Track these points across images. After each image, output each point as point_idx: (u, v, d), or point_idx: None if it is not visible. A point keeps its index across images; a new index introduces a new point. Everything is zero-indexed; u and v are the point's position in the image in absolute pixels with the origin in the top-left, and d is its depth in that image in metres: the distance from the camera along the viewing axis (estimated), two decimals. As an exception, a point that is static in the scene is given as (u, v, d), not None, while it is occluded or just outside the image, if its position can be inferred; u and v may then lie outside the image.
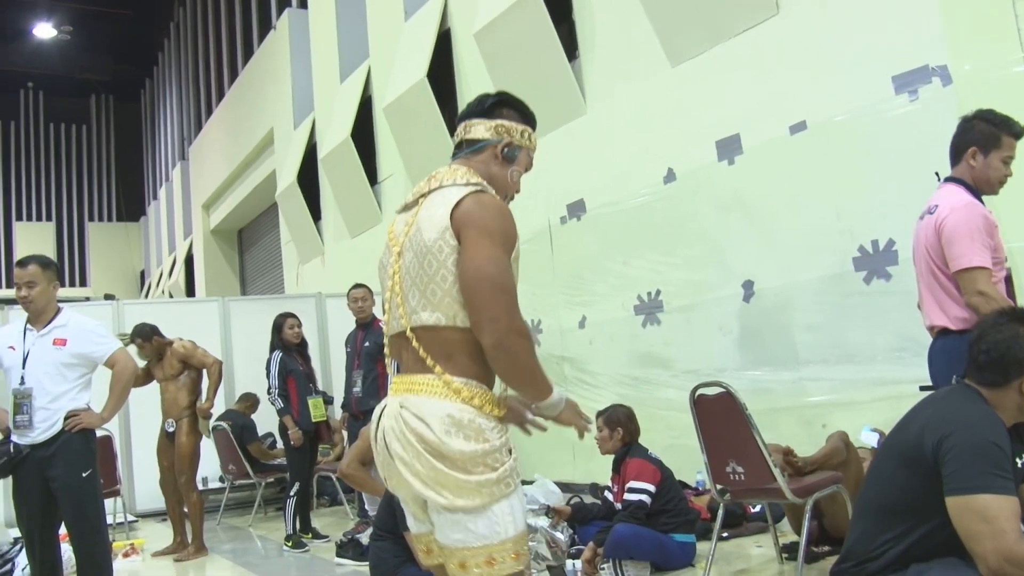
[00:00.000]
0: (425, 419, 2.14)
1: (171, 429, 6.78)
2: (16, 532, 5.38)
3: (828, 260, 5.70)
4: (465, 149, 2.39)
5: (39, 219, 28.36)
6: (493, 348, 2.11)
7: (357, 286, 7.15)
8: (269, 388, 6.88)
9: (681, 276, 6.83)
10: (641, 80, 7.31)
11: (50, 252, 25.63)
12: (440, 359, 2.18)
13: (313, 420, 6.90)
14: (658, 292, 7.00)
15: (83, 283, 27.28)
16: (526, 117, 2.44)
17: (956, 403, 2.54)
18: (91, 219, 28.59)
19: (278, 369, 6.84)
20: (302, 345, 7.14)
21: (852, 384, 5.57)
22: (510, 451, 2.17)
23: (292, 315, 7.08)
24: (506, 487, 2.13)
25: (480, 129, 2.38)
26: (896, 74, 5.29)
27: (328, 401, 7.46)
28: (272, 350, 6.96)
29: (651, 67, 7.17)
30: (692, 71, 6.81)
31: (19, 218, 28.62)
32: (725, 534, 5.48)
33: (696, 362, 6.61)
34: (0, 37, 24.42)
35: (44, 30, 23.90)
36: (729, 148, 6.42)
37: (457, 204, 2.19)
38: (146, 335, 6.77)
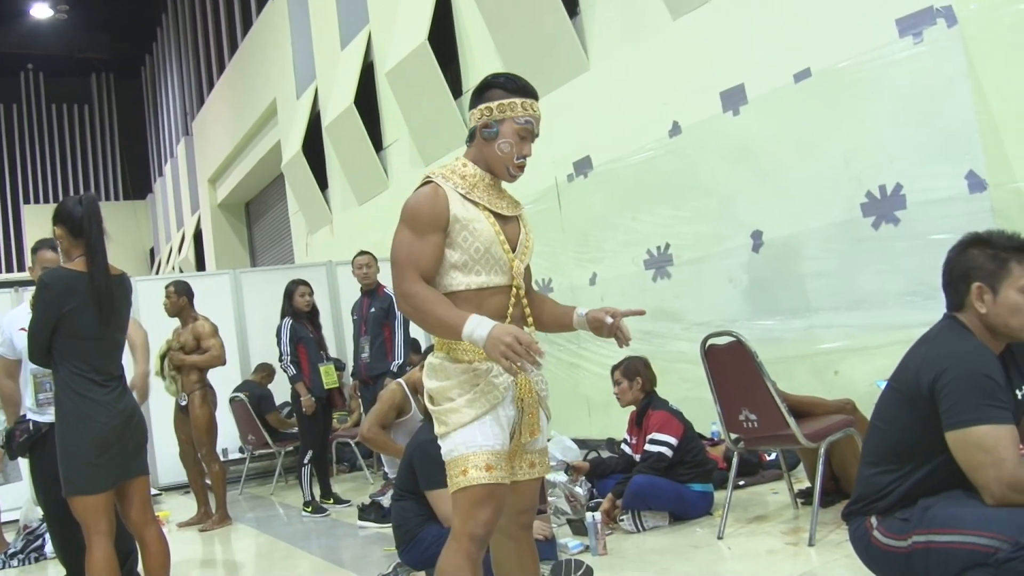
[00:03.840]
0: None
1: (184, 403, 6.85)
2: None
3: (836, 207, 5.69)
4: (468, 142, 2.69)
5: (46, 201, 28.38)
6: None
7: (361, 253, 7.18)
8: (280, 356, 6.92)
9: (690, 229, 6.83)
10: (643, 34, 7.28)
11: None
12: None
13: (325, 387, 6.95)
14: (667, 246, 7.00)
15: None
16: (515, 89, 2.62)
17: (946, 339, 2.57)
18: (98, 199, 28.57)
19: (288, 336, 6.89)
20: (313, 313, 7.18)
21: (863, 330, 5.59)
22: (477, 386, 2.49)
23: (304, 282, 7.11)
24: (463, 415, 2.47)
25: (472, 119, 2.64)
26: (900, 17, 5.25)
27: (339, 367, 7.51)
28: (282, 317, 7.01)
29: (653, 21, 7.14)
30: (693, 23, 6.77)
31: (27, 201, 28.66)
32: (741, 482, 5.53)
33: (707, 314, 6.63)
34: (-3, 20, 24.37)
35: (41, 10, 23.83)
36: (734, 99, 6.39)
37: None
38: (180, 288, 6.85)
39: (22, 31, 24.93)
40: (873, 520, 2.59)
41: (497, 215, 2.60)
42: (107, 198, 28.89)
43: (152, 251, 28.74)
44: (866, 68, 5.46)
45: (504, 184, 2.69)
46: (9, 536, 6.56)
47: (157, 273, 25.07)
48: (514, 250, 2.60)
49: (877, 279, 5.50)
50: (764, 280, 6.30)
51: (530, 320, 2.62)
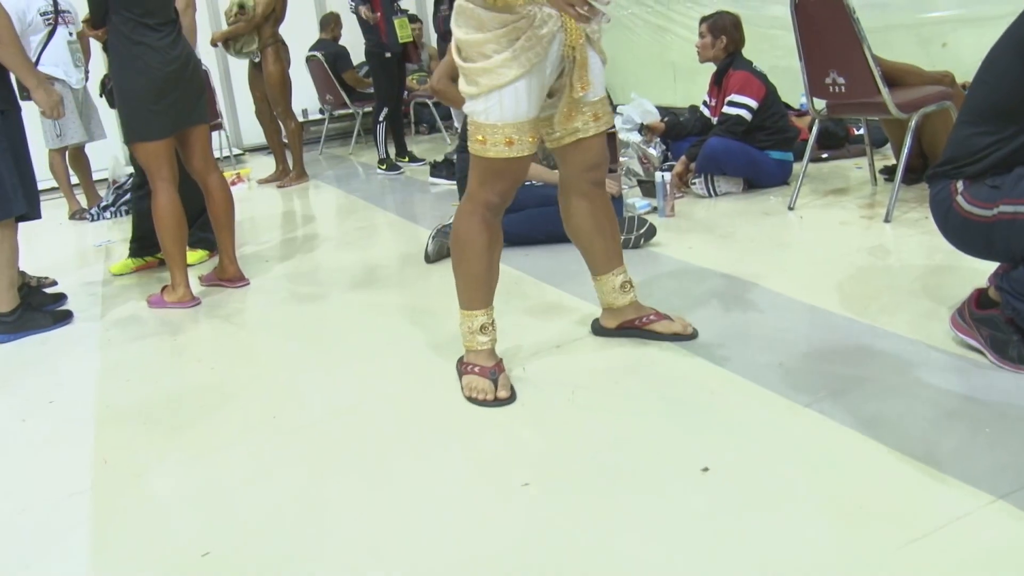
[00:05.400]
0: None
1: (257, 60, 6.71)
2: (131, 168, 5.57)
3: None
4: None
5: None
6: None
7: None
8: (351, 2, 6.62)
9: None
10: None
11: None
12: None
13: (400, 40, 6.66)
14: None
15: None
16: None
17: None
18: None
19: None
20: None
21: (981, -3, 5.03)
22: (517, 40, 2.17)
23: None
24: (498, 77, 2.20)
25: None
26: None
27: (413, 20, 7.19)
28: None
29: None
30: None
31: None
32: (824, 155, 5.28)
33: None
34: None
35: None
36: None
37: None
38: None
39: None
40: (959, 184, 2.33)
41: None
42: None
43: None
44: None
45: None
46: (101, 191, 6.78)
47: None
48: None
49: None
50: (876, -65, 5.64)
51: None
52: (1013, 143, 2.24)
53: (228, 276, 4.03)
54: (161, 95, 3.60)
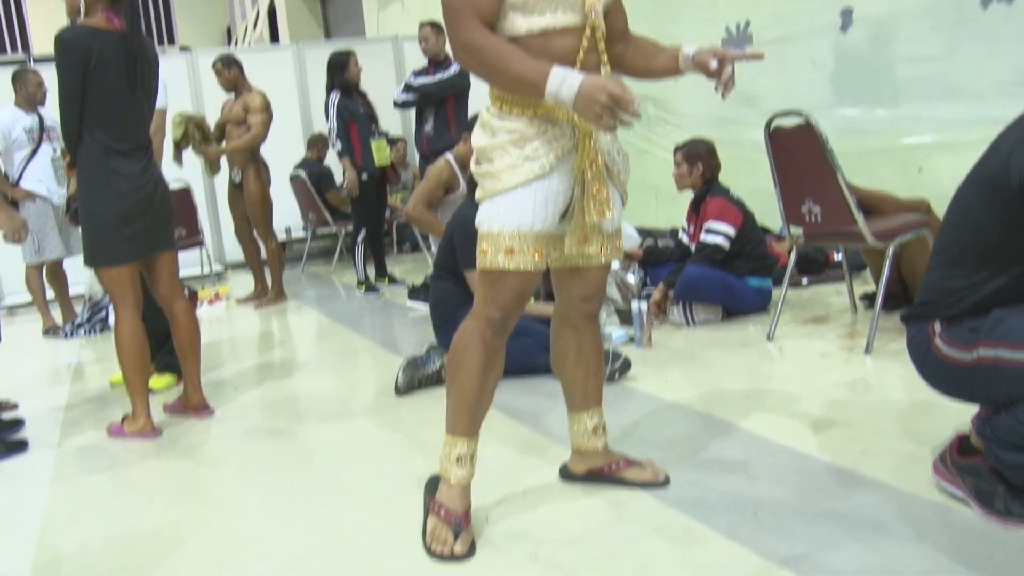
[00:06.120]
0: None
1: (238, 180, 6.72)
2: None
3: (941, -19, 5.05)
4: None
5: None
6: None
7: (425, 24, 6.75)
8: (329, 131, 6.67)
9: (772, 5, 6.23)
10: None
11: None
12: None
13: (377, 164, 6.69)
14: (747, 23, 6.43)
15: (171, 39, 26.99)
16: None
17: None
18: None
19: (336, 111, 6.58)
20: (359, 85, 6.84)
21: (956, 123, 5.08)
22: (523, 149, 2.16)
23: (354, 52, 6.74)
24: (499, 182, 2.17)
25: None
26: None
27: (392, 142, 7.23)
28: (329, 91, 6.67)
29: None
30: None
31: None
32: (804, 281, 5.25)
33: (786, 100, 6.08)
34: None
35: None
36: None
37: None
38: (226, 61, 6.58)
39: None
40: (936, 326, 2.24)
41: None
42: (183, -30, 28.13)
43: (229, 29, 28.28)
44: None
45: None
46: (77, 307, 6.69)
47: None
48: None
49: (978, 67, 4.94)
50: (851, 64, 5.75)
51: (605, 70, 2.21)
52: (988, 286, 2.17)
53: (192, 404, 3.91)
54: (129, 220, 3.54)
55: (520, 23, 2.12)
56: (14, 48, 25.08)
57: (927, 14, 5.17)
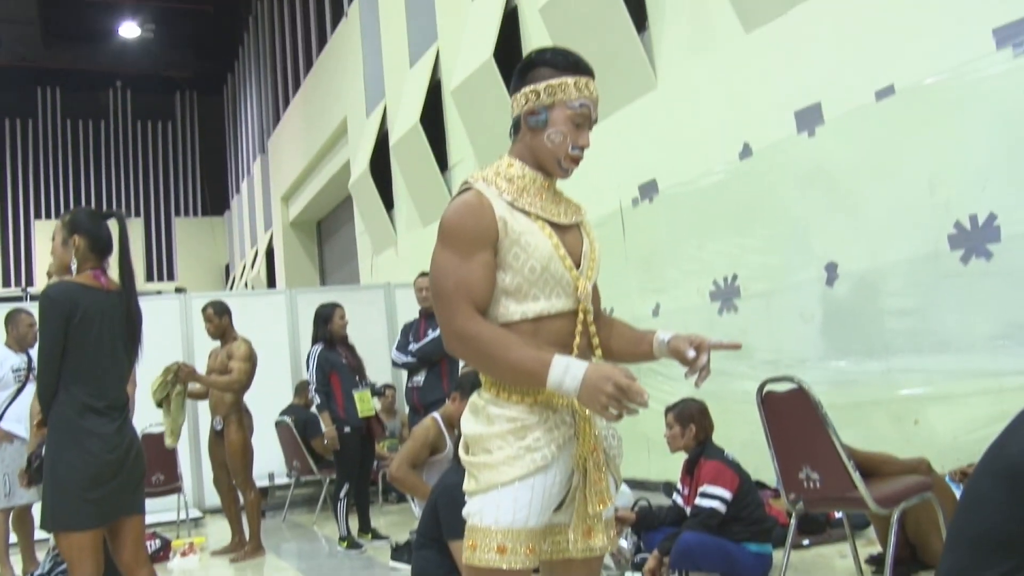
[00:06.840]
0: None
1: (219, 428, 6.58)
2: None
3: (920, 238, 5.14)
4: (512, 135, 2.24)
5: (128, 215, 28.81)
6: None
7: (423, 274, 6.82)
8: (309, 383, 6.61)
9: (759, 259, 6.34)
10: (714, 49, 6.83)
11: (138, 247, 26.10)
12: None
13: (360, 415, 6.59)
14: (735, 277, 6.52)
15: (171, 277, 27.65)
16: (566, 67, 2.15)
17: None
18: (177, 214, 28.88)
19: (317, 364, 6.55)
20: (345, 337, 6.84)
21: (948, 376, 5.04)
22: (523, 440, 2.05)
23: (340, 305, 6.80)
24: (498, 475, 2.03)
25: (515, 106, 2.19)
26: (998, 26, 4.72)
27: (377, 393, 7.15)
28: (313, 343, 6.67)
29: (724, 34, 6.69)
30: (768, 37, 6.29)
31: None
32: (806, 542, 5.01)
33: (776, 352, 6.13)
34: (90, 39, 25.01)
35: (129, 29, 24.25)
36: (809, 118, 5.89)
37: None
38: (218, 308, 6.57)
39: (112, 50, 25.39)
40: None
41: (554, 225, 2.14)
42: (186, 213, 29.15)
43: (227, 267, 29.04)
44: (957, 84, 4.93)
45: (561, 184, 2.23)
46: (40, 555, 6.37)
47: (231, 289, 25.22)
48: (577, 266, 2.15)
49: (964, 320, 4.96)
50: (838, 317, 5.77)
51: (598, 352, 2.16)
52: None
53: None
54: (97, 482, 3.38)
55: (513, 309, 2.08)
56: (18, 282, 25.63)
57: (910, 269, 5.24)
